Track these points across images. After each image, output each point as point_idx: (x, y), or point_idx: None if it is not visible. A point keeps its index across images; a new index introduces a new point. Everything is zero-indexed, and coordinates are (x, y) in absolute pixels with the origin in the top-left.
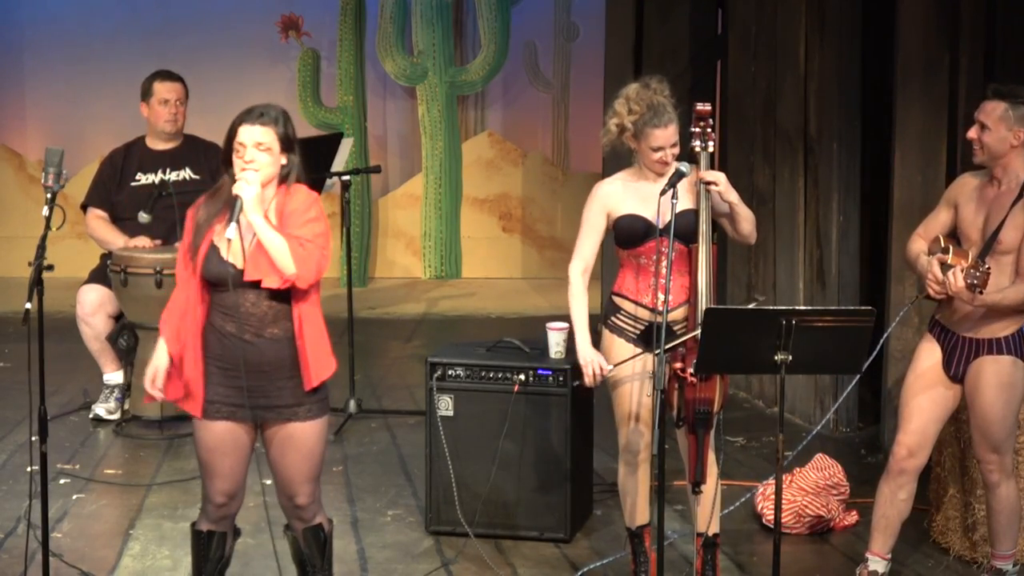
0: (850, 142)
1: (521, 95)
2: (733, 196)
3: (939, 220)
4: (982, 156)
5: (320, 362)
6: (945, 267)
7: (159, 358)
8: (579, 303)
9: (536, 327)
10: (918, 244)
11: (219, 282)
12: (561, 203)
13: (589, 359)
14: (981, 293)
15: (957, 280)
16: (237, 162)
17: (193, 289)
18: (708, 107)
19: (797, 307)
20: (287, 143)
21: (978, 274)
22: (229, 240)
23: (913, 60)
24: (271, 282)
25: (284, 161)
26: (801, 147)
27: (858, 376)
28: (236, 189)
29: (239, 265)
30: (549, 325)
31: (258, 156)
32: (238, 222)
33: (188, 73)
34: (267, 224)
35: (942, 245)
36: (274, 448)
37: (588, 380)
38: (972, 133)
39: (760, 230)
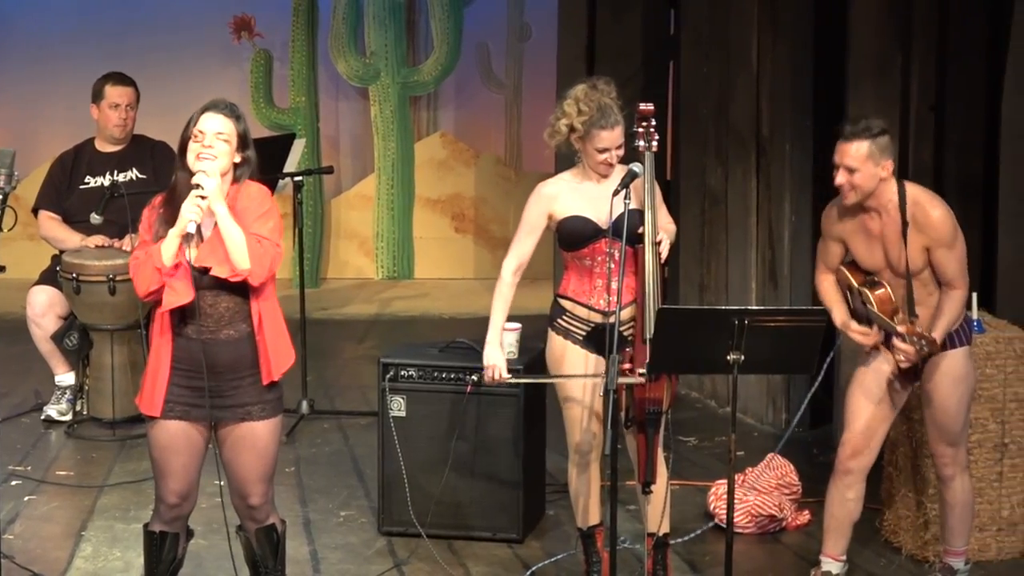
0: (802, 142)
1: (474, 96)
2: (666, 246)
3: (832, 254)
4: (855, 197)
5: (280, 356)
6: (875, 317)
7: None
8: (502, 301)
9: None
10: (827, 282)
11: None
12: (514, 203)
13: (491, 362)
14: (935, 346)
15: (910, 352)
16: (194, 147)
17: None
18: (651, 107)
19: (749, 307)
20: (244, 141)
21: (926, 343)
22: (190, 235)
23: (865, 60)
24: (221, 271)
25: (239, 159)
26: (754, 147)
27: (819, 377)
28: (196, 180)
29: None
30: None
31: (217, 144)
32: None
33: (141, 74)
34: (230, 216)
35: (855, 286)
36: (228, 448)
37: (487, 378)
38: (840, 179)
39: (712, 231)
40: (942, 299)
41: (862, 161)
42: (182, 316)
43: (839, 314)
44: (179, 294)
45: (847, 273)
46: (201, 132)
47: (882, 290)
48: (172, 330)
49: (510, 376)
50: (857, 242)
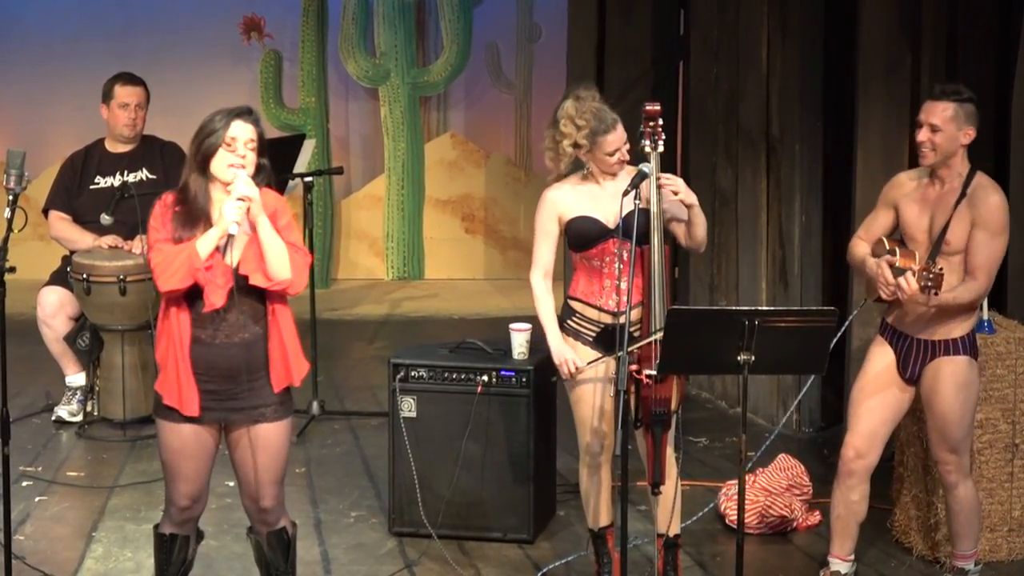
0: (812, 142)
1: (483, 96)
2: (693, 199)
3: (879, 222)
4: (934, 158)
5: (299, 362)
6: (895, 270)
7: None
8: (545, 304)
9: (499, 328)
10: (861, 247)
11: (197, 293)
12: (524, 204)
13: (563, 357)
14: (936, 295)
15: (911, 284)
16: (227, 156)
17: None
18: (657, 107)
19: (760, 307)
20: (262, 147)
21: (931, 276)
22: (232, 236)
23: (875, 60)
24: (259, 280)
25: (257, 164)
26: (763, 147)
27: (817, 376)
28: (238, 188)
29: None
30: (512, 326)
31: (248, 154)
32: (237, 223)
33: (150, 75)
34: (272, 227)
35: (887, 247)
36: (240, 450)
37: (564, 374)
38: (922, 136)
39: (722, 230)
40: (960, 285)
41: (946, 121)
42: (195, 320)
43: (863, 255)
44: (217, 296)
45: (884, 240)
46: (234, 139)
47: (911, 256)
48: (188, 334)
49: (585, 364)
50: (909, 205)
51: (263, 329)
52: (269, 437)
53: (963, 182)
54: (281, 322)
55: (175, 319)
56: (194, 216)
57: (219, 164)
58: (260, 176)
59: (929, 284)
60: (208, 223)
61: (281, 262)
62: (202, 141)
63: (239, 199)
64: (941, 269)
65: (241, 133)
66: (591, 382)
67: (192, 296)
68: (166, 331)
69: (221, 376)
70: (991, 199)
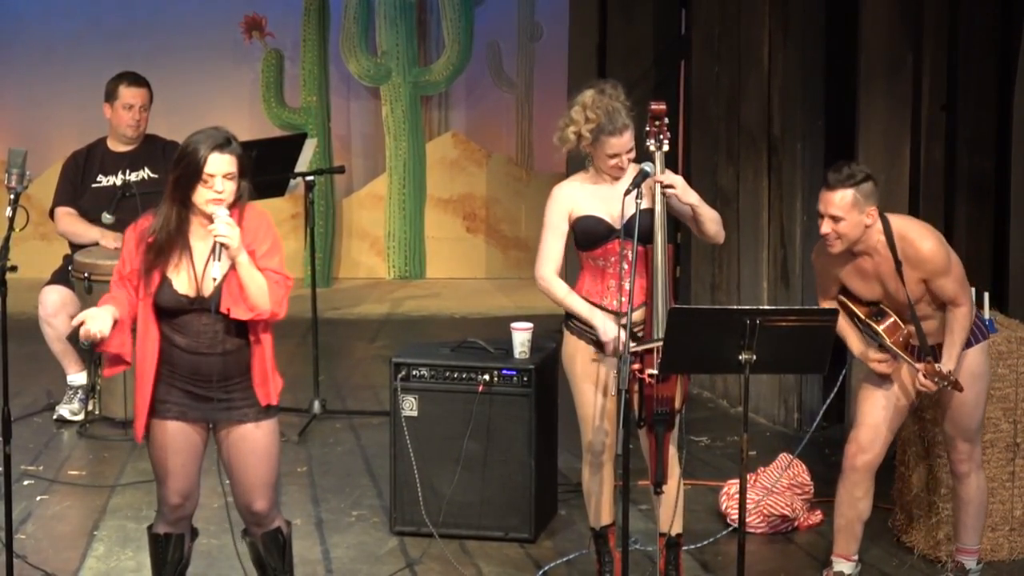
0: (814, 141)
1: (485, 95)
2: (692, 198)
3: (832, 288)
4: (841, 246)
5: (276, 378)
6: (894, 352)
7: (103, 318)
8: (566, 292)
9: (500, 327)
10: (840, 320)
11: (176, 312)
12: (525, 203)
13: (611, 335)
14: (958, 385)
15: (930, 386)
16: (206, 192)
17: (147, 311)
18: (663, 106)
19: (761, 307)
20: (244, 168)
21: (948, 382)
22: (215, 279)
23: (876, 59)
24: (240, 313)
25: (237, 187)
26: (765, 147)
27: (818, 375)
28: (219, 235)
29: (191, 295)
30: (513, 325)
31: (227, 186)
32: (217, 258)
33: (151, 74)
34: (252, 263)
35: (863, 320)
36: (227, 451)
37: (610, 351)
38: (825, 228)
39: (724, 230)
40: (949, 319)
41: (847, 210)
42: (176, 331)
43: (855, 343)
44: (116, 366)
45: (851, 305)
46: (211, 176)
47: (889, 320)
48: (162, 340)
49: (634, 344)
50: (853, 281)
51: (245, 339)
52: (255, 438)
53: (887, 245)
54: (264, 342)
55: (148, 335)
56: (170, 245)
57: (200, 198)
58: (241, 191)
59: (946, 385)
60: (186, 250)
61: (260, 295)
62: (180, 175)
63: (223, 245)
64: (950, 372)
65: (218, 168)
66: (594, 381)
67: (169, 313)
68: (139, 345)
69: (204, 380)
70: (924, 250)
